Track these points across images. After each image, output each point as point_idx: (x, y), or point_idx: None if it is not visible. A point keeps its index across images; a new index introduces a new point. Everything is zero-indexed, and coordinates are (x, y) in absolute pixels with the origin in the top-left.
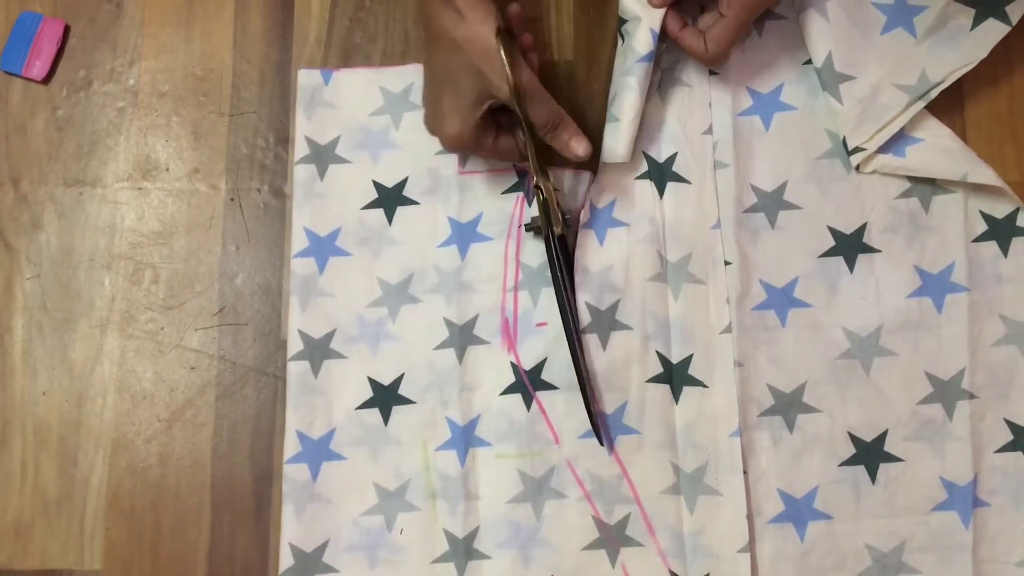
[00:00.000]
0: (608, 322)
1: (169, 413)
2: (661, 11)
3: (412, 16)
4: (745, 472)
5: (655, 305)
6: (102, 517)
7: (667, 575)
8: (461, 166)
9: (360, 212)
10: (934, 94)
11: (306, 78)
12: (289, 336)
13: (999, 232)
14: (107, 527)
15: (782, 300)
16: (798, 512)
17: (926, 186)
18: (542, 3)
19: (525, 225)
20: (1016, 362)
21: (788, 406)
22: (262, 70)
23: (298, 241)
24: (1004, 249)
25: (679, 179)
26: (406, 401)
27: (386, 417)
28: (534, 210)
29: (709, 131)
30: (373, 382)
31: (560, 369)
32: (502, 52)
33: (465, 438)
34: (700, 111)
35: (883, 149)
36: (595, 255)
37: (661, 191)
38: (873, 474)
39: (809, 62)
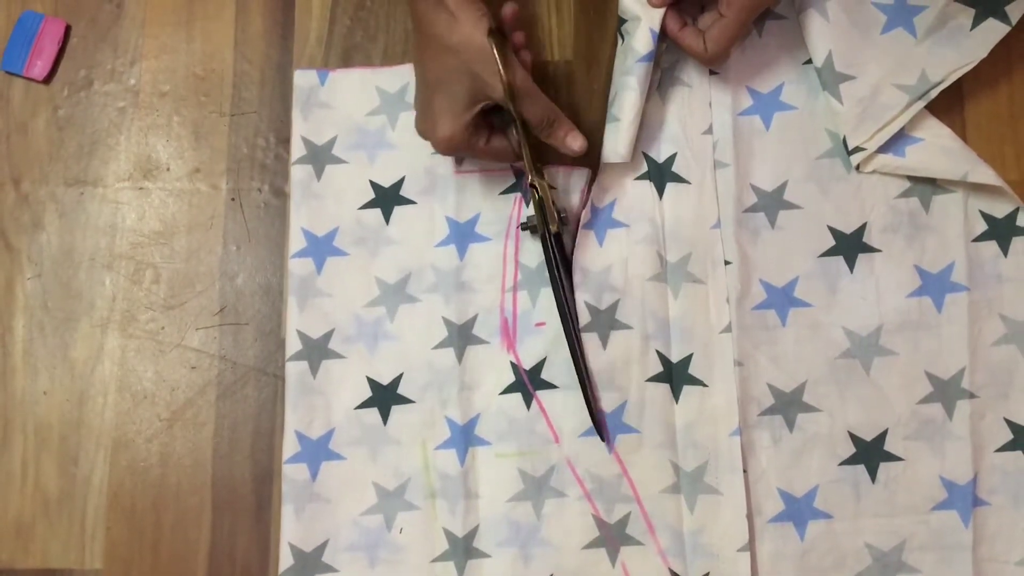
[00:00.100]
0: (608, 322)
1: (170, 412)
2: (661, 11)
3: None
4: (745, 471)
5: (655, 305)
6: (103, 516)
7: (667, 574)
8: (457, 165)
9: (357, 212)
10: (934, 94)
11: (302, 79)
12: (287, 336)
13: (999, 232)
14: (108, 526)
15: (782, 300)
16: (798, 511)
17: (926, 186)
18: (541, 3)
19: (521, 224)
20: (1016, 361)
21: (788, 405)
22: (263, 70)
23: (295, 241)
24: (1004, 249)
25: (679, 179)
26: (405, 400)
27: (385, 417)
28: (531, 210)
29: (709, 131)
30: (372, 382)
31: (560, 368)
32: (495, 52)
33: (465, 437)
34: (700, 111)
35: (883, 149)
36: (595, 255)
37: (661, 191)
38: (873, 473)
39: (809, 62)
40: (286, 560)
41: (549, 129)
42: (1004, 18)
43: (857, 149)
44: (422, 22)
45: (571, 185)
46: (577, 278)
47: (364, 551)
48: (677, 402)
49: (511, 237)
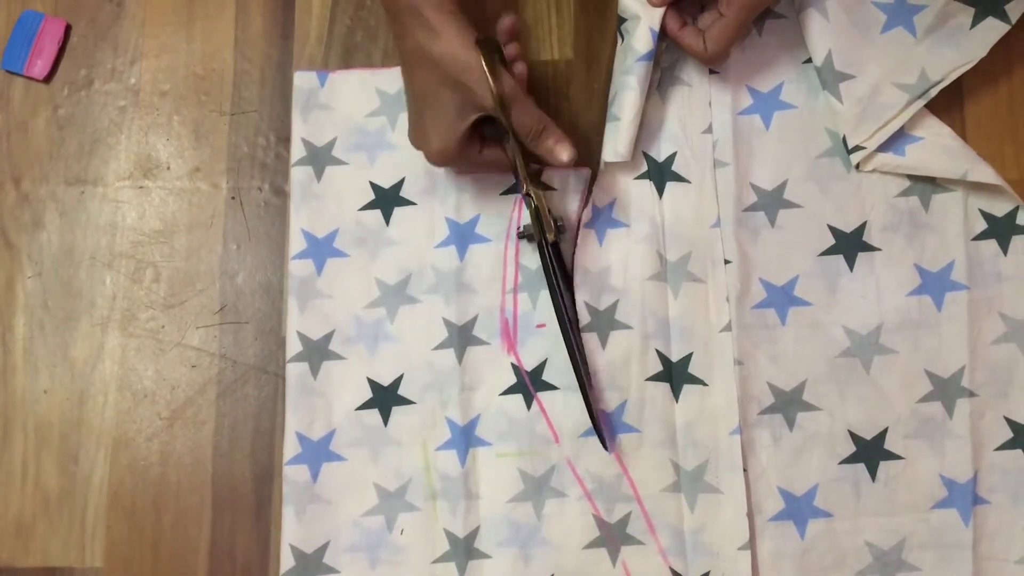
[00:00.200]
0: (608, 321)
1: (170, 411)
2: (660, 10)
3: None
4: (745, 470)
5: (655, 304)
6: (103, 515)
7: (668, 573)
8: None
9: (357, 213)
10: (934, 93)
11: (302, 80)
12: (288, 338)
13: (999, 230)
14: (108, 525)
15: (782, 299)
16: (798, 510)
17: (926, 184)
18: (541, 2)
19: (518, 233)
20: (1016, 360)
21: (788, 404)
22: (263, 69)
23: (296, 243)
24: (1004, 247)
25: (679, 178)
26: (406, 401)
27: (386, 418)
28: (528, 217)
29: (709, 130)
30: (372, 383)
31: (561, 369)
32: (483, 62)
33: (465, 438)
34: (700, 110)
35: (883, 148)
36: (594, 255)
37: (661, 191)
38: (873, 472)
39: (809, 61)
40: (287, 561)
41: (538, 139)
42: (1004, 17)
43: (857, 148)
44: (404, 38)
45: (571, 185)
46: (577, 278)
47: (365, 552)
48: (677, 401)
49: (511, 239)
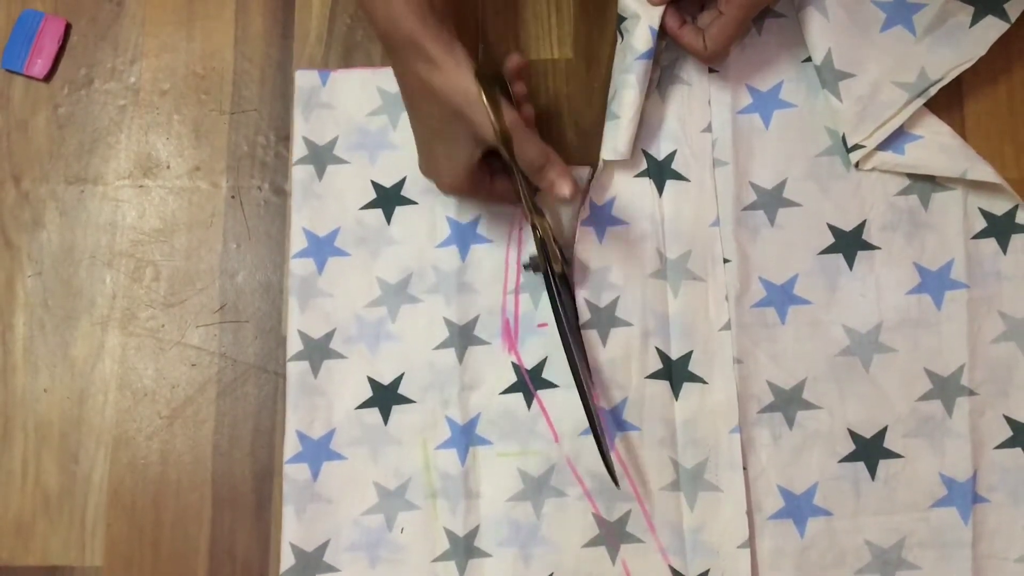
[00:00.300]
0: (608, 319)
1: (170, 410)
2: (660, 9)
3: None
4: (745, 468)
5: (655, 302)
6: (103, 514)
7: (667, 572)
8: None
9: (359, 212)
10: (933, 91)
11: (303, 79)
12: (288, 336)
13: (998, 229)
14: (108, 524)
15: (781, 297)
16: (798, 508)
17: (925, 183)
18: (541, 1)
19: (524, 264)
20: (1015, 359)
21: (788, 403)
22: (263, 68)
23: (297, 241)
24: (1003, 246)
25: (678, 177)
26: (406, 400)
27: (386, 417)
28: (531, 244)
29: (708, 129)
30: (373, 382)
31: (561, 368)
32: (483, 96)
33: (465, 437)
34: (699, 109)
35: (882, 146)
36: (594, 253)
37: (660, 189)
38: (873, 471)
39: (809, 60)
40: (287, 560)
41: (540, 172)
42: (1003, 15)
43: (856, 147)
44: (405, 73)
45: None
46: (577, 275)
47: (365, 551)
48: (677, 399)
49: (513, 240)
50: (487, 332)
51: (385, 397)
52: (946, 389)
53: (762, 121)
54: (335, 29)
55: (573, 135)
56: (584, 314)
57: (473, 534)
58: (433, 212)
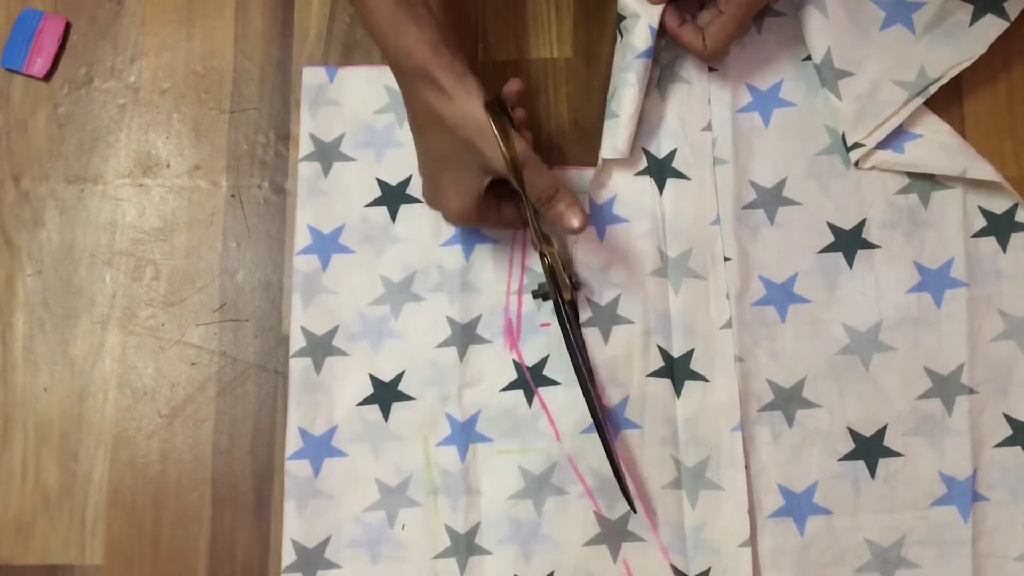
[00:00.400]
0: (609, 316)
1: (170, 409)
2: (659, 7)
3: None
4: (746, 467)
5: (656, 300)
6: (103, 513)
7: (668, 570)
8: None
9: (363, 210)
10: (933, 90)
11: (311, 75)
12: (291, 333)
13: (998, 227)
14: (108, 522)
15: (782, 296)
16: (798, 507)
17: (925, 182)
18: (541, 0)
19: (532, 292)
20: (1015, 357)
21: (788, 401)
22: (263, 67)
23: (301, 238)
24: (1003, 244)
25: (679, 175)
26: (406, 397)
27: (386, 413)
28: (534, 258)
29: (708, 127)
30: (374, 379)
31: (562, 365)
32: (492, 126)
33: (465, 434)
34: (699, 107)
35: (882, 145)
36: (595, 251)
37: (661, 187)
38: (873, 469)
39: (808, 58)
40: (288, 556)
41: (550, 203)
42: (1003, 14)
43: (856, 145)
44: (416, 100)
45: (576, 188)
46: (578, 273)
47: (366, 547)
48: (678, 397)
49: (517, 241)
50: (489, 331)
51: (386, 394)
52: (946, 387)
53: (762, 120)
54: (335, 27)
55: (573, 134)
56: (585, 312)
57: (474, 531)
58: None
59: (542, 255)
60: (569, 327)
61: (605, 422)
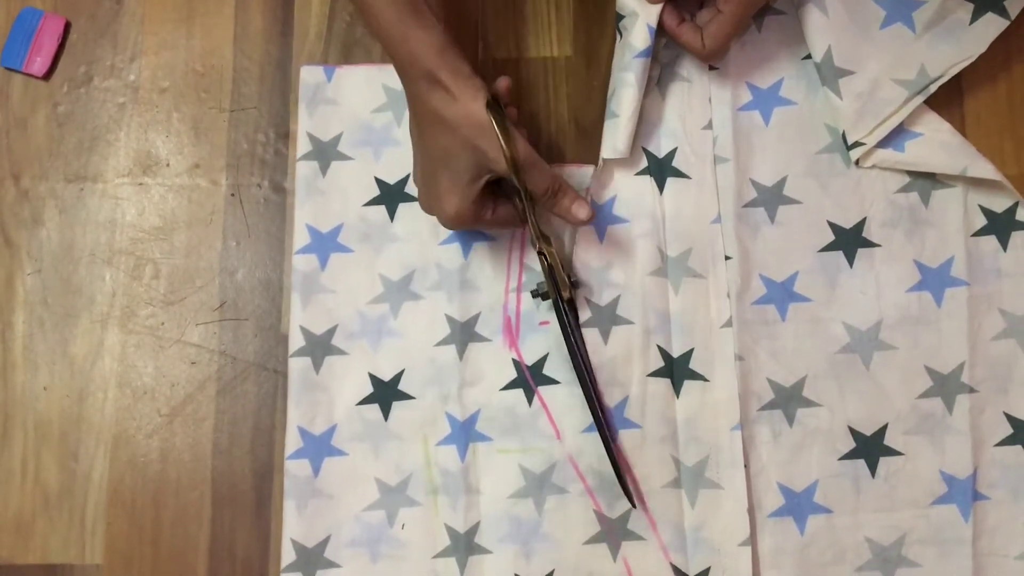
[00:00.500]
0: (609, 317)
1: (170, 408)
2: (658, 6)
3: None
4: (746, 466)
5: (655, 300)
6: (103, 512)
7: (668, 569)
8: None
9: (362, 209)
10: (933, 89)
11: (309, 74)
12: (291, 332)
13: (998, 226)
14: (108, 522)
15: (782, 294)
16: (798, 506)
17: (925, 180)
18: None
19: (531, 292)
20: (1015, 356)
21: (788, 400)
22: (262, 66)
23: (300, 237)
24: (1003, 243)
25: (679, 174)
26: (406, 396)
27: (386, 413)
28: (532, 256)
29: (709, 126)
30: (373, 378)
31: (562, 364)
32: (495, 125)
33: (465, 433)
34: (700, 106)
35: (882, 144)
36: (595, 251)
37: (661, 186)
38: (873, 468)
39: (808, 57)
40: (288, 555)
41: (554, 199)
42: (1003, 12)
43: (856, 144)
44: (418, 100)
45: (575, 185)
46: (578, 274)
47: (366, 547)
48: (678, 397)
49: (516, 238)
50: (488, 329)
51: (385, 393)
52: (946, 386)
53: (762, 118)
54: (335, 26)
55: (573, 133)
56: (585, 313)
57: (474, 530)
58: None
59: (541, 254)
60: (568, 326)
61: (605, 419)
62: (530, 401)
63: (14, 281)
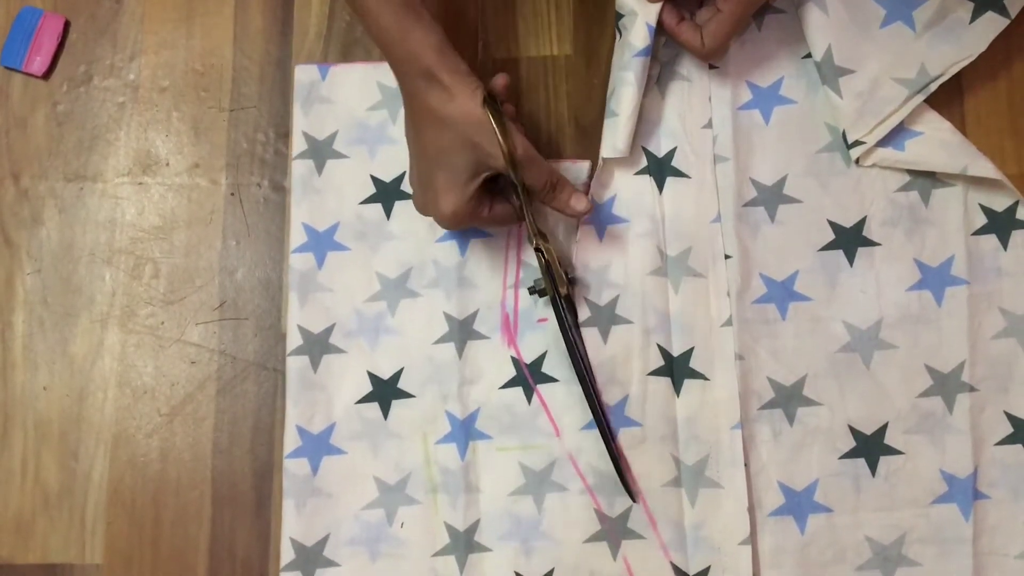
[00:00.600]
0: (608, 316)
1: (170, 408)
2: (657, 5)
3: None
4: (746, 465)
5: (655, 299)
6: (103, 511)
7: (668, 568)
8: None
9: (358, 207)
10: (933, 87)
11: (303, 73)
12: (288, 331)
13: (999, 225)
14: (108, 521)
15: (782, 294)
16: (798, 505)
17: (926, 179)
18: None
19: (529, 288)
20: (1016, 355)
21: (788, 399)
22: (262, 65)
23: (296, 236)
24: (1004, 242)
25: (679, 174)
26: (405, 395)
27: (386, 411)
28: (530, 253)
29: (709, 125)
30: (372, 376)
31: (561, 362)
32: (492, 121)
33: (465, 431)
34: (700, 105)
35: (883, 143)
36: (594, 251)
37: (661, 186)
38: (873, 467)
39: (809, 56)
40: (287, 554)
41: (552, 194)
42: (1003, 11)
43: (857, 143)
44: (416, 98)
45: (571, 180)
46: (577, 273)
47: (365, 545)
48: (678, 396)
49: (513, 235)
50: (486, 326)
51: (385, 391)
52: (946, 385)
53: (762, 117)
54: (334, 26)
55: (573, 132)
56: (584, 312)
57: (473, 528)
58: None
59: (538, 250)
60: (566, 322)
61: (604, 415)
62: (529, 399)
63: (14, 281)
